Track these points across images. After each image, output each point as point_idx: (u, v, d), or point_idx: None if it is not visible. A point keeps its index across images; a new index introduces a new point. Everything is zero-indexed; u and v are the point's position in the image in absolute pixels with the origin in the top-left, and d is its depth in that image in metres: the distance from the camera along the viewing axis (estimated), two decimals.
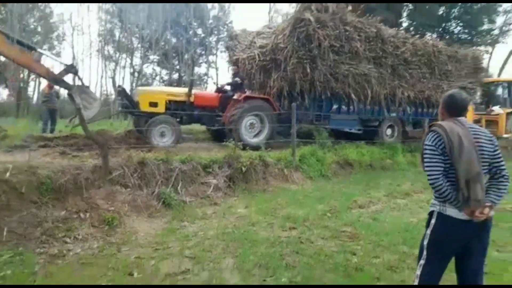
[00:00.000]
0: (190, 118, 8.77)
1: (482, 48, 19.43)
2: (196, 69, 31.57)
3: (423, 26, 18.89)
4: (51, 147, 7.05)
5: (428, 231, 2.33)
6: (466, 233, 2.22)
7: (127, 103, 8.28)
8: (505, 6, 19.93)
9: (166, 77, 29.55)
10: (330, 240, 4.22)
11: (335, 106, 9.84)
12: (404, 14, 18.95)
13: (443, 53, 11.25)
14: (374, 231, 4.55)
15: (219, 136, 9.00)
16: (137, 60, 29.11)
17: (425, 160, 2.26)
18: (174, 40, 29.46)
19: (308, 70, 8.65)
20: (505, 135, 14.17)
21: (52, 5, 27.40)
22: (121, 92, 8.68)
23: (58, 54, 28.40)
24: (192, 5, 28.45)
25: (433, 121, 11.99)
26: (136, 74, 28.21)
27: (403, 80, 10.41)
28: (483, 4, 18.49)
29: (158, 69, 31.22)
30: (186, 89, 8.75)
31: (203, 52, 29.69)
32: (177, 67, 29.76)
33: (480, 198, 2.08)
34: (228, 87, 9.64)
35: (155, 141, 7.67)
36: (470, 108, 14.25)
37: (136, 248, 4.10)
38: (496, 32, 19.86)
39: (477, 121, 14.79)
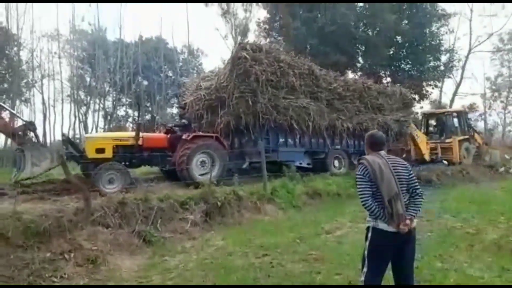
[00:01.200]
0: (139, 161, 8.78)
1: (431, 82, 21.43)
2: (168, 110, 32.21)
3: (377, 66, 20.76)
4: (30, 193, 7.25)
5: (367, 243, 2.92)
6: (395, 242, 2.79)
7: (73, 151, 8.33)
8: (447, 46, 22.46)
9: (138, 119, 29.88)
10: (298, 263, 4.71)
11: (281, 140, 10.41)
12: (358, 56, 20.69)
13: (373, 89, 12.60)
14: (338, 252, 5.09)
15: (172, 175, 9.09)
16: (109, 104, 29.39)
17: (357, 186, 2.90)
18: (145, 83, 30.16)
19: (250, 103, 9.22)
20: (455, 160, 15.44)
21: (21, 52, 27.56)
22: (65, 141, 8.84)
23: (27, 100, 28.26)
24: (162, 50, 29.54)
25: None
26: (108, 117, 28.38)
27: (340, 113, 11.36)
28: (427, 44, 20.68)
29: (130, 111, 31.58)
30: (133, 133, 8.76)
31: (174, 93, 30.47)
32: (149, 108, 30.27)
33: (401, 212, 2.71)
34: (176, 128, 9.83)
35: (104, 189, 7.48)
36: (420, 135, 15.52)
37: (121, 283, 4.41)
38: (442, 68, 21.94)
39: (433, 149, 16.09)
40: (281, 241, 5.75)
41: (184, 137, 8.88)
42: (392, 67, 21.92)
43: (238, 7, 26.05)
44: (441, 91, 26.02)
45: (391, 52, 21.95)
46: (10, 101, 27.43)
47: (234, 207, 7.55)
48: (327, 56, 17.25)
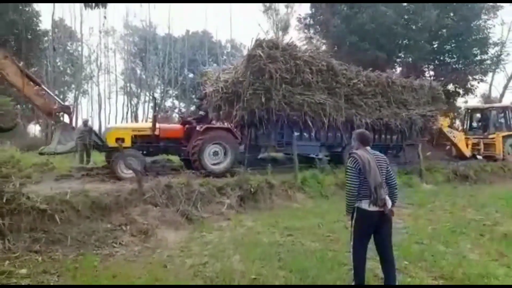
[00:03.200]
0: (156, 150, 9.39)
1: (477, 76, 20.63)
2: None
3: (419, 60, 20.40)
4: (92, 176, 8.52)
5: (353, 221, 3.62)
6: (374, 219, 3.49)
7: (96, 140, 9.24)
8: (495, 39, 21.38)
9: (184, 109, 31.56)
10: (316, 242, 5.39)
11: (296, 133, 10.61)
12: (399, 52, 20.29)
13: (398, 83, 12.31)
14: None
15: (190, 164, 9.49)
16: (157, 95, 31.25)
17: (347, 175, 3.58)
18: (191, 75, 31.64)
19: (263, 100, 9.51)
20: (498, 156, 15.02)
21: (80, 47, 30.09)
22: (89, 131, 9.58)
23: (85, 92, 30.90)
24: (206, 44, 30.76)
25: (395, 145, 12.90)
26: (156, 108, 30.20)
27: (359, 108, 11.34)
28: (473, 37, 19.89)
29: (176, 102, 33.32)
30: (150, 124, 9.37)
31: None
32: (194, 100, 31.76)
33: (383, 197, 3.42)
34: (192, 119, 10.34)
35: (122, 173, 8.26)
36: (456, 134, 15.21)
37: (167, 251, 5.34)
38: (488, 62, 20.92)
39: (476, 144, 15.77)
40: (305, 225, 6.43)
41: (197, 128, 9.37)
42: (436, 61, 21.37)
43: (279, 4, 26.53)
44: (491, 85, 24.88)
45: (435, 46, 21.35)
46: (70, 92, 30.28)
47: (266, 194, 8.32)
48: (366, 53, 17.32)
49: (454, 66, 20.79)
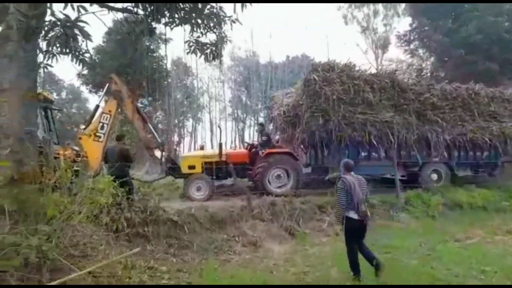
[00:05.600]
0: (225, 174, 9.92)
1: None
2: None
3: None
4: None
5: (344, 228, 4.86)
6: (357, 226, 4.73)
7: (173, 166, 9.86)
8: None
9: None
10: (414, 259, 5.48)
11: (363, 153, 10.27)
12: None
13: (482, 94, 11.02)
14: (458, 254, 5.59)
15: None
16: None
17: (337, 193, 4.95)
18: None
19: (321, 122, 9.48)
20: None
21: (195, 81, 34.18)
22: (168, 159, 10.10)
23: (199, 119, 34.74)
24: (306, 67, 31.76)
25: (488, 163, 11.45)
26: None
27: (435, 124, 10.46)
28: None
29: None
30: (217, 151, 9.95)
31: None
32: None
33: (363, 210, 4.65)
34: (257, 143, 10.75)
35: (193, 195, 9.19)
36: None
37: (273, 260, 6.07)
38: None
39: None
40: (405, 244, 6.49)
41: (260, 153, 9.82)
42: None
43: (378, 22, 26.42)
44: None
45: None
46: (187, 121, 34.39)
47: None
48: (475, 65, 16.06)
49: None
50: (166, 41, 11.19)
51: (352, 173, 4.97)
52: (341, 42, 40.69)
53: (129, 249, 5.48)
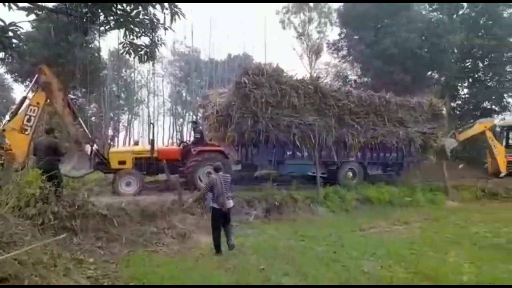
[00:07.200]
0: (156, 170, 10.21)
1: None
2: None
3: (451, 79, 20.62)
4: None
5: (210, 215, 6.11)
6: (221, 214, 6.01)
7: (102, 161, 9.94)
8: None
9: None
10: (323, 247, 6.31)
11: (288, 153, 11.10)
12: (425, 73, 20.53)
13: (392, 102, 12.29)
14: (359, 242, 6.54)
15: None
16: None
17: (204, 187, 6.40)
18: None
19: (249, 123, 10.06)
20: None
21: (133, 74, 33.18)
22: (96, 154, 10.05)
23: (137, 114, 33.80)
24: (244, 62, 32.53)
25: (395, 163, 12.85)
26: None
27: (351, 128, 11.52)
28: (509, 54, 19.88)
29: None
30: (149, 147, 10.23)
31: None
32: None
33: (222, 201, 5.99)
34: (189, 141, 11.34)
35: (122, 190, 9.36)
36: (498, 147, 15.11)
37: (200, 250, 6.51)
38: None
39: (511, 162, 15.61)
40: (319, 234, 7.35)
41: (192, 151, 10.25)
42: (470, 79, 21.40)
43: (312, 29, 28.16)
44: None
45: (468, 64, 21.55)
46: (124, 115, 33.31)
47: (290, 207, 9.34)
48: (391, 76, 17.99)
49: (488, 84, 20.67)
50: (100, 35, 10.92)
51: (220, 173, 6.21)
52: (279, 45, 42.31)
53: (55, 242, 5.59)
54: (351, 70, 22.98)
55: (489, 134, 15.37)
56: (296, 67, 45.19)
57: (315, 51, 26.85)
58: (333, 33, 29.49)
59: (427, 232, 7.47)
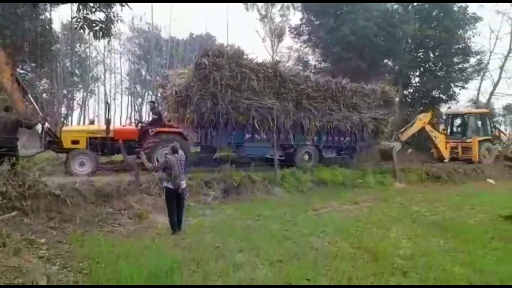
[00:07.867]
0: (111, 150, 10.03)
1: (459, 83, 21.97)
2: None
3: (404, 68, 21.66)
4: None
5: (164, 196, 6.28)
6: (174, 194, 6.18)
7: (54, 140, 9.57)
8: (477, 48, 22.59)
9: None
10: (277, 225, 6.62)
11: (247, 135, 11.15)
12: (381, 61, 21.38)
13: (348, 88, 12.73)
14: (310, 221, 6.93)
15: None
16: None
17: (157, 165, 6.84)
18: None
19: (209, 105, 10.05)
20: (475, 159, 16.18)
21: (88, 49, 31.52)
22: (48, 133, 9.69)
23: (92, 92, 32.32)
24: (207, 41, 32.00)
25: (349, 147, 13.41)
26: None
27: (308, 112, 11.81)
28: (455, 46, 21.46)
29: None
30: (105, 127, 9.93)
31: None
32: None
33: (178, 182, 6.14)
34: (147, 121, 11.11)
35: (75, 170, 9.09)
36: (438, 135, 16.26)
37: (157, 230, 6.58)
38: (470, 70, 22.19)
39: (454, 148, 16.88)
40: (274, 213, 7.66)
41: (149, 131, 10.09)
42: (421, 69, 22.71)
43: (275, 12, 28.08)
44: (478, 91, 26.06)
45: (420, 54, 22.66)
46: (78, 92, 31.74)
47: (248, 188, 9.58)
48: (349, 62, 18.54)
49: (437, 74, 22.06)
50: (52, 6, 10.28)
51: (176, 154, 6.24)
52: (243, 26, 41.85)
53: (4, 222, 5.43)
54: (312, 55, 23.43)
55: (428, 127, 16.25)
56: (259, 50, 45.16)
57: (277, 35, 27.02)
58: (295, 17, 29.74)
59: (374, 211, 8.03)
